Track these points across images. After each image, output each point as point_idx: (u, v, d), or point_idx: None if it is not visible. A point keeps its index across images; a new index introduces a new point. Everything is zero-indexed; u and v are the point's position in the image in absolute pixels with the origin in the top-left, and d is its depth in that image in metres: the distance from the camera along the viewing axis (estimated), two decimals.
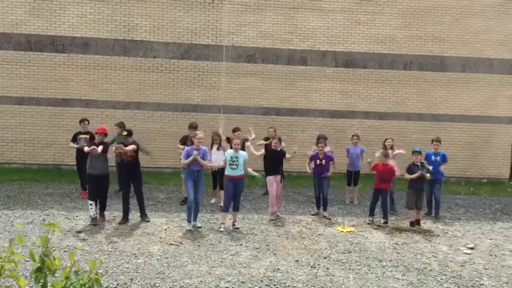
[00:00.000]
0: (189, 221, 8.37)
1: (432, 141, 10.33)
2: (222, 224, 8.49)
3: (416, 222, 9.23)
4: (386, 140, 10.46)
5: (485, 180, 14.49)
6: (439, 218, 9.91)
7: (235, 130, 10.52)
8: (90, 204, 8.43)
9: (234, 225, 8.57)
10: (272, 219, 9.20)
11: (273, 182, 9.33)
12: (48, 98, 13.38)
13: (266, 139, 10.91)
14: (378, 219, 9.38)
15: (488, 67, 14.37)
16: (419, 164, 9.29)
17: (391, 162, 9.56)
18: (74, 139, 10.41)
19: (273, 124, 12.40)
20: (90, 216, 8.45)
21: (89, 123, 10.51)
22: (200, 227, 8.47)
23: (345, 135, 13.40)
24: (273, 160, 9.55)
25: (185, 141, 9.76)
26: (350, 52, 14.01)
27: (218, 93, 13.84)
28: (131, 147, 8.57)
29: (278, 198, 9.57)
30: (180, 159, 8.89)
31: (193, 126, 9.92)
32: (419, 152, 9.42)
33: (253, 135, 10.89)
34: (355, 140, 11.08)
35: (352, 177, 11.02)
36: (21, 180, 11.81)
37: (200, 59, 13.67)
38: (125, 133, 8.74)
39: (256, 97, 13.93)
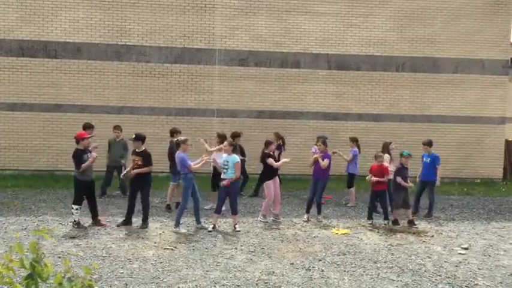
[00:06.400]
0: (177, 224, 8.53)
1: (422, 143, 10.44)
2: (212, 224, 8.58)
3: (411, 222, 9.28)
4: (390, 143, 10.51)
5: (478, 181, 14.57)
6: (431, 216, 9.97)
7: (234, 136, 10.51)
8: (76, 209, 8.39)
9: (235, 228, 8.61)
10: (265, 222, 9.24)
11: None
12: (41, 104, 13.32)
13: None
14: (375, 221, 9.44)
15: (480, 68, 14.46)
16: (407, 167, 9.41)
17: (387, 165, 9.62)
18: None
19: (267, 127, 12.46)
20: (74, 220, 8.41)
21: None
22: (208, 228, 8.58)
23: (338, 137, 13.45)
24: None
25: None
26: (343, 54, 14.07)
27: (211, 96, 13.84)
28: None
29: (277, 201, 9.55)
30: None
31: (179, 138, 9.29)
32: (407, 156, 9.45)
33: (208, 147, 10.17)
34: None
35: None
36: (15, 186, 11.74)
37: (193, 62, 13.67)
38: (133, 136, 8.69)
39: (250, 100, 13.94)
